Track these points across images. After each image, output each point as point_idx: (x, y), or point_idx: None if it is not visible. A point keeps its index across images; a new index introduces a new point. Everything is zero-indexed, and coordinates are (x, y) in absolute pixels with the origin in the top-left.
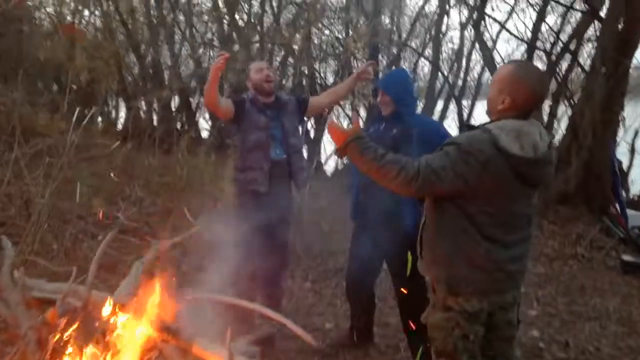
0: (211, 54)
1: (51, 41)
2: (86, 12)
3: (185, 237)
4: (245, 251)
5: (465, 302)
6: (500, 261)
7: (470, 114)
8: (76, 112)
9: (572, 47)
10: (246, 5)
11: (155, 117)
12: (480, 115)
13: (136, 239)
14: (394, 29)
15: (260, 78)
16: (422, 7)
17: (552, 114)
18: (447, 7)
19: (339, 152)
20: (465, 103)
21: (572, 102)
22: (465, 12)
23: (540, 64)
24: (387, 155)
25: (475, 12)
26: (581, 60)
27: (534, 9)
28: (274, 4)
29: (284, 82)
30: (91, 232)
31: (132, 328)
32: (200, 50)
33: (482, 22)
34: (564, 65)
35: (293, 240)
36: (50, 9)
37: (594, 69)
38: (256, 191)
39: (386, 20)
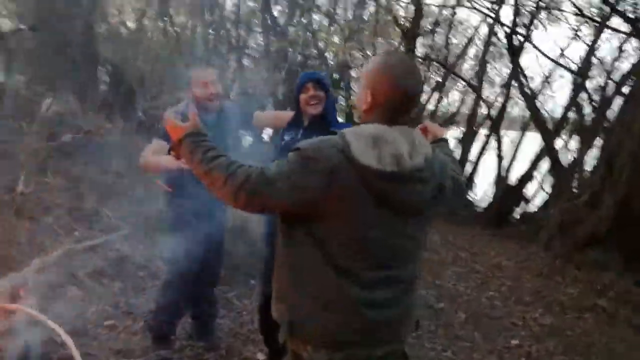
0: None
1: None
2: None
3: None
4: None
5: (313, 351)
6: (357, 303)
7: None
8: None
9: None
10: None
11: None
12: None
13: None
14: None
15: (204, 95)
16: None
17: (587, 145)
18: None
19: (174, 151)
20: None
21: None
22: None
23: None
24: (219, 158)
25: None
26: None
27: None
28: None
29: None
30: None
31: None
32: None
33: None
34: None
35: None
36: None
37: (634, 97)
38: (189, 217)
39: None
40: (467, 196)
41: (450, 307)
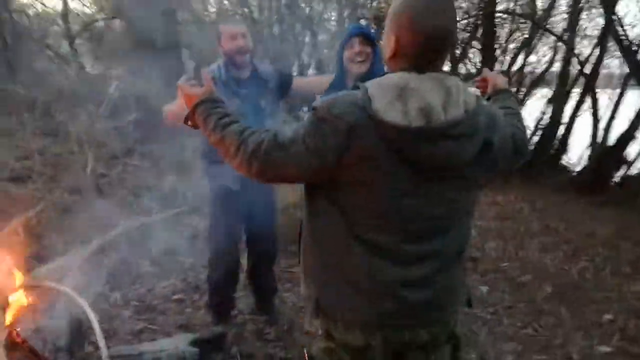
0: None
1: None
2: None
3: None
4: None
5: (346, 332)
6: (390, 282)
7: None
8: None
9: None
10: None
11: None
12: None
13: None
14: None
15: (232, 49)
16: None
17: None
18: None
19: (189, 119)
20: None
21: None
22: None
23: None
24: (232, 125)
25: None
26: None
27: None
28: None
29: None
30: None
31: None
32: None
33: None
34: None
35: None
36: None
37: None
38: (227, 188)
39: None
40: (526, 156)
41: (534, 280)
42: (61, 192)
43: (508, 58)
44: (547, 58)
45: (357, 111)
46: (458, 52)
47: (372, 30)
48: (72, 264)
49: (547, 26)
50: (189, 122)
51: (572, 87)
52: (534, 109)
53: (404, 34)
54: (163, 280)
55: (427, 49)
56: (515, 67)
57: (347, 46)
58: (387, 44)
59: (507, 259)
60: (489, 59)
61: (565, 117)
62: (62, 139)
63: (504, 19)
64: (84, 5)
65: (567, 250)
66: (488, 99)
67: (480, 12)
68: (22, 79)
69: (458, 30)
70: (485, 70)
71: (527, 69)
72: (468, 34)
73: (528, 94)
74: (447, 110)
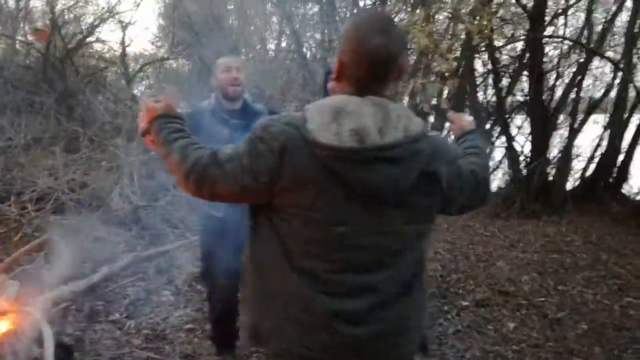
0: None
1: None
2: None
3: None
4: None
5: None
6: (324, 315)
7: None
8: None
9: None
10: None
11: None
12: None
13: None
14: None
15: (225, 80)
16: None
17: None
18: None
19: (144, 134)
20: None
21: None
22: None
23: None
24: (180, 140)
25: None
26: None
27: None
28: None
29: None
30: None
31: None
32: None
33: None
34: None
35: None
36: None
37: None
38: (211, 215)
39: None
40: (487, 195)
41: (570, 317)
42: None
43: (559, 83)
44: (603, 83)
45: (292, 131)
46: (505, 82)
47: None
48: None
49: (600, 50)
50: (146, 137)
51: (632, 113)
52: (590, 136)
53: (347, 55)
54: (180, 309)
55: (369, 72)
56: (568, 93)
57: (329, 78)
58: (335, 67)
59: (543, 294)
60: (537, 87)
61: (625, 144)
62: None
63: (557, 46)
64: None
65: (613, 285)
66: (457, 141)
67: (526, 37)
68: (80, 117)
69: (501, 57)
70: (450, 113)
71: (582, 94)
72: (516, 61)
73: (584, 121)
74: (384, 133)
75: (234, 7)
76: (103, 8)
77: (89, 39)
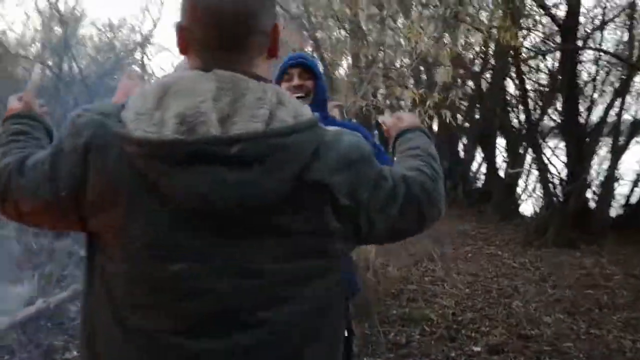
0: None
1: None
2: None
3: None
4: None
5: None
6: None
7: None
8: None
9: None
10: None
11: None
12: None
13: None
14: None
15: None
16: None
17: None
18: None
19: None
20: None
21: None
22: None
23: None
24: (11, 143)
25: None
26: None
27: None
28: None
29: None
30: None
31: None
32: None
33: None
34: None
35: None
36: None
37: None
38: None
39: None
40: (438, 207)
41: None
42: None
43: (598, 101)
44: None
45: (102, 122)
46: (537, 104)
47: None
48: None
49: None
50: None
51: None
52: (634, 158)
53: (187, 17)
54: None
55: (213, 35)
56: (608, 112)
57: (284, 78)
58: None
59: (571, 338)
60: (572, 106)
61: None
62: None
63: (593, 60)
64: None
65: None
66: (394, 146)
67: (558, 49)
68: None
69: (532, 75)
70: (384, 117)
71: (624, 115)
72: (548, 78)
73: (627, 142)
74: (229, 122)
75: None
76: None
77: None
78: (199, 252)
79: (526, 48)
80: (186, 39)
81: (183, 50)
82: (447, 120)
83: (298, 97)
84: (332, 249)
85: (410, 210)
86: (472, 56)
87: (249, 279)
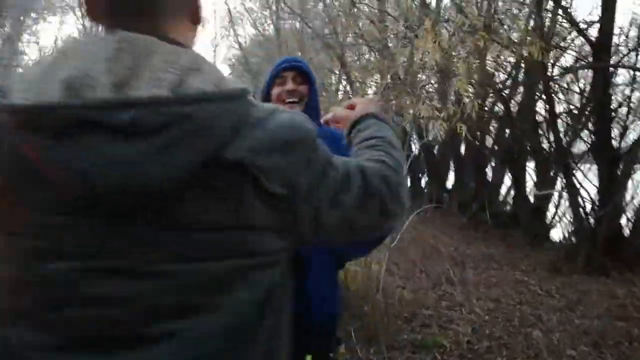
0: None
1: None
2: None
3: None
4: None
5: None
6: None
7: None
8: None
9: None
10: None
11: None
12: None
13: None
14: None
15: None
16: None
17: None
18: None
19: None
20: None
21: None
22: None
23: None
24: None
25: None
26: None
27: None
28: None
29: None
30: None
31: None
32: None
33: None
34: None
35: None
36: None
37: None
38: None
39: None
40: (394, 205)
41: None
42: None
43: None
44: None
45: None
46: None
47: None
48: None
49: None
50: None
51: None
52: None
53: None
54: None
55: None
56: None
57: (276, 82)
58: None
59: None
60: (604, 126)
61: None
62: None
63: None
64: None
65: None
66: (349, 135)
67: (588, 67)
68: None
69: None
70: (332, 113)
71: None
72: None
73: None
74: (126, 86)
75: None
76: None
77: None
78: (85, 249)
79: (557, 66)
80: (94, 1)
81: (92, 16)
82: (463, 134)
83: (291, 103)
84: (261, 247)
85: (371, 204)
86: (502, 76)
87: (143, 283)
